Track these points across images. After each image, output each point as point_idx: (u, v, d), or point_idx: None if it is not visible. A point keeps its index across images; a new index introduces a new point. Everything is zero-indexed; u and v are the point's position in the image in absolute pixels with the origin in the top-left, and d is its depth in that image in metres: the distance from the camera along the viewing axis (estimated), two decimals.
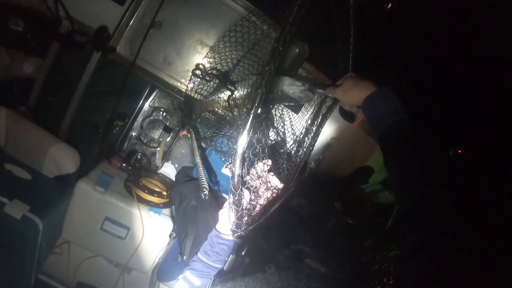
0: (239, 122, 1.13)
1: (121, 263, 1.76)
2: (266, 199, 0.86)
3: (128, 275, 1.88)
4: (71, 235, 1.68)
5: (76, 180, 1.59)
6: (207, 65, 1.43)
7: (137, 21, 1.49)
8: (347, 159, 2.01)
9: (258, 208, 0.86)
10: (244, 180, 0.75)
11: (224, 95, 1.29)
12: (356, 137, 1.93)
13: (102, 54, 1.54)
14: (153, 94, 1.88)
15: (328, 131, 1.84)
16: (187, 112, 1.45)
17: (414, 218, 0.67)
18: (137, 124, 1.91)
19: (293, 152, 1.24)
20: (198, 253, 1.00)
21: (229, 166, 1.21)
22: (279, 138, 1.26)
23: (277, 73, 0.86)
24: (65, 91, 1.80)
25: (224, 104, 1.28)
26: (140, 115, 1.90)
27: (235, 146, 0.68)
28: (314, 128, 1.30)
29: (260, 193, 0.85)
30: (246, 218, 0.80)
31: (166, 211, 1.74)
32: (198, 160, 1.39)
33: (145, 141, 1.93)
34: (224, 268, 0.99)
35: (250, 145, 0.70)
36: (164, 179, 1.93)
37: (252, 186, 0.82)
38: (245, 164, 0.71)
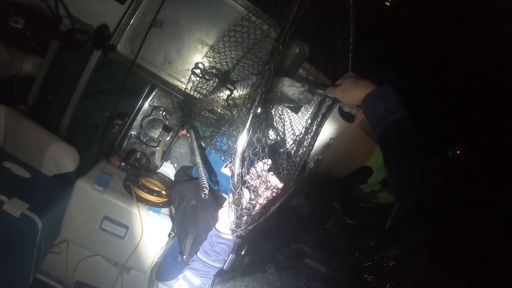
0: (238, 122, 1.13)
1: (120, 262, 1.76)
2: (265, 199, 0.86)
3: (126, 275, 1.88)
4: (69, 234, 1.68)
5: (75, 179, 1.59)
6: (207, 64, 1.43)
7: (138, 20, 1.49)
8: (346, 159, 2.01)
9: (257, 207, 0.85)
10: (244, 179, 0.75)
11: (224, 94, 1.29)
12: (356, 138, 1.93)
13: (103, 53, 1.54)
14: (153, 93, 1.88)
15: (327, 132, 1.84)
16: (187, 111, 1.45)
17: (414, 218, 0.66)
18: (136, 123, 1.90)
19: (292, 151, 1.24)
20: (198, 253, 0.99)
21: (228, 165, 1.21)
22: (279, 138, 1.26)
23: (277, 73, 0.86)
24: (65, 89, 1.80)
25: (223, 103, 1.28)
26: (139, 114, 1.90)
27: (235, 145, 0.68)
28: (314, 128, 1.30)
29: (259, 192, 0.85)
30: (245, 218, 0.80)
31: (165, 210, 1.73)
32: (199, 159, 1.39)
33: (144, 140, 1.93)
34: (224, 268, 0.99)
35: (250, 144, 0.70)
36: (163, 179, 1.93)
37: (252, 185, 0.82)
38: (245, 163, 0.71)
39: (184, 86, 1.56)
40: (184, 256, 1.24)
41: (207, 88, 1.41)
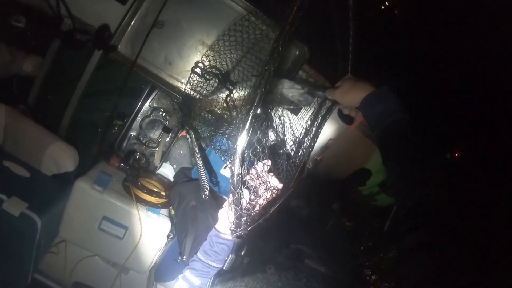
0: (238, 122, 1.13)
1: (119, 263, 1.75)
2: (265, 199, 0.86)
3: (125, 275, 1.87)
4: (68, 234, 1.67)
5: (75, 179, 1.59)
6: (207, 63, 1.43)
7: (139, 21, 1.49)
8: (345, 161, 2.01)
9: (257, 208, 0.85)
10: (244, 179, 0.75)
11: (223, 94, 1.29)
12: (355, 139, 1.93)
13: (103, 53, 1.54)
14: (153, 94, 1.88)
15: (326, 133, 1.85)
16: (187, 111, 1.45)
17: (414, 218, 0.66)
18: (136, 124, 1.90)
19: (292, 152, 1.24)
20: (198, 253, 0.99)
21: (228, 166, 1.21)
22: (279, 139, 1.26)
23: (277, 75, 0.86)
24: (65, 89, 1.80)
25: (223, 103, 1.28)
26: (139, 115, 1.90)
27: (235, 146, 0.68)
28: (313, 129, 1.30)
29: (259, 193, 0.85)
30: (245, 218, 0.80)
31: (164, 211, 1.73)
32: (199, 160, 1.39)
33: (144, 141, 1.93)
34: (224, 268, 0.99)
35: (249, 145, 0.70)
36: (162, 180, 1.93)
37: (252, 186, 0.82)
38: (245, 163, 0.71)
39: (184, 87, 1.56)
40: (184, 257, 1.24)
41: (207, 88, 1.41)
